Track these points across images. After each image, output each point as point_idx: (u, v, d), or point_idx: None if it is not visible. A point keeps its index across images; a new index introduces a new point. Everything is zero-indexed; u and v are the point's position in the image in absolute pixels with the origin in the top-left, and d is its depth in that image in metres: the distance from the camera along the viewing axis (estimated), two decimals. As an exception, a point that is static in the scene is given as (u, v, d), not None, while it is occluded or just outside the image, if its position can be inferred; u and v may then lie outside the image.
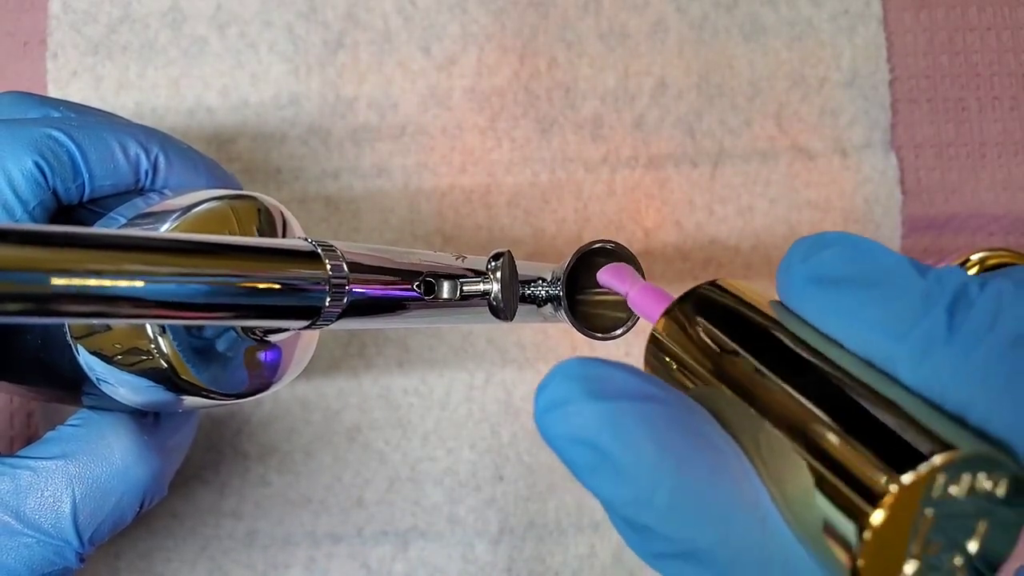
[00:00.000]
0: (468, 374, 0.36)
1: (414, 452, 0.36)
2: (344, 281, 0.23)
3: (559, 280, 0.28)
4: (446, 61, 0.37)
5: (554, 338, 0.37)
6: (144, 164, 0.26)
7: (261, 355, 0.26)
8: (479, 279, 0.27)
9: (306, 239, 0.23)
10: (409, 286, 0.25)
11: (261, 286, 0.21)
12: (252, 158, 0.37)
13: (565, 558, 0.36)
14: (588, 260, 0.28)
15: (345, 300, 0.23)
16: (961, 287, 0.16)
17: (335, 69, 0.37)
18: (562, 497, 0.36)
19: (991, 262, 0.32)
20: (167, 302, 0.19)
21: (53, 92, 0.37)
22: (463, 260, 0.27)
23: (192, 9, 0.37)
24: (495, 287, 0.26)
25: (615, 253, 0.28)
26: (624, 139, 0.37)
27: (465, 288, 0.26)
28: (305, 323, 0.23)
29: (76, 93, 0.36)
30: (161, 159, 0.27)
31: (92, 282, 0.17)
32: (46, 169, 0.24)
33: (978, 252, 0.33)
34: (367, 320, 0.25)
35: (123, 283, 0.18)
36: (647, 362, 0.21)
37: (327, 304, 0.22)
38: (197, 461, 0.36)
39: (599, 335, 0.28)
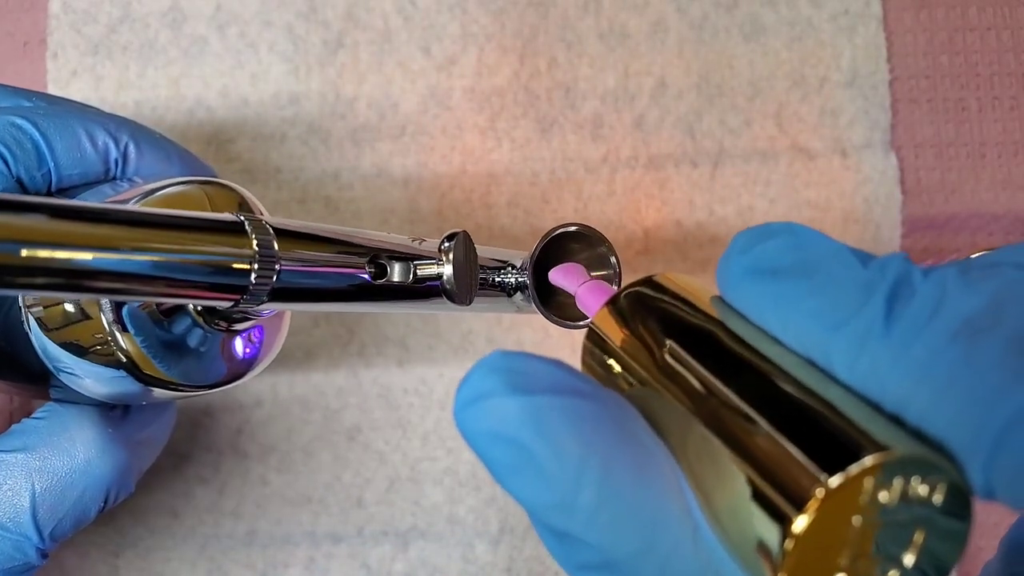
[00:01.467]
0: (468, 374, 0.36)
1: (414, 452, 0.36)
2: (273, 258, 0.21)
3: (527, 267, 0.27)
4: (446, 61, 0.37)
5: (555, 337, 0.37)
6: (113, 153, 0.26)
7: (229, 344, 0.25)
8: (432, 261, 0.25)
9: (234, 213, 0.22)
10: (357, 267, 0.24)
11: (176, 260, 0.19)
12: (252, 158, 0.37)
13: (565, 558, 0.36)
14: (564, 246, 0.27)
15: (274, 278, 0.22)
16: (904, 274, 0.15)
17: (335, 69, 0.37)
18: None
19: (991, 262, 0.32)
20: (69, 271, 0.17)
21: (53, 92, 0.37)
22: (421, 243, 0.26)
23: (192, 9, 0.37)
24: (448, 269, 0.25)
25: (587, 237, 0.27)
26: (624, 139, 0.37)
27: (419, 271, 0.25)
28: (230, 303, 0.21)
29: (76, 93, 0.36)
30: (131, 148, 0.26)
31: None
32: (8, 157, 0.24)
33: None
34: (314, 304, 0.24)
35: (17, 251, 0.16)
36: (583, 362, 0.20)
37: (253, 281, 0.21)
38: (197, 461, 0.36)
39: (568, 323, 0.27)
